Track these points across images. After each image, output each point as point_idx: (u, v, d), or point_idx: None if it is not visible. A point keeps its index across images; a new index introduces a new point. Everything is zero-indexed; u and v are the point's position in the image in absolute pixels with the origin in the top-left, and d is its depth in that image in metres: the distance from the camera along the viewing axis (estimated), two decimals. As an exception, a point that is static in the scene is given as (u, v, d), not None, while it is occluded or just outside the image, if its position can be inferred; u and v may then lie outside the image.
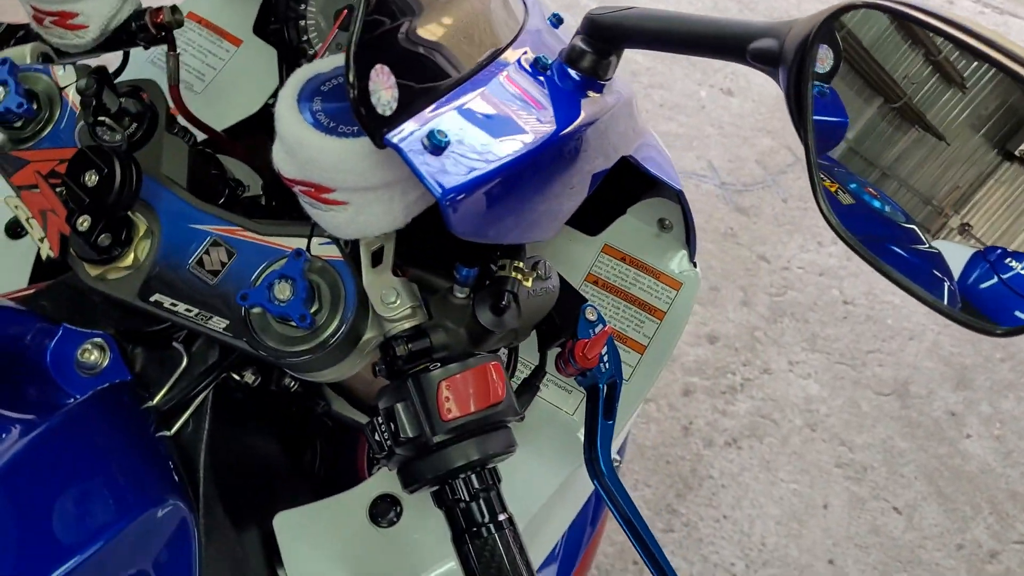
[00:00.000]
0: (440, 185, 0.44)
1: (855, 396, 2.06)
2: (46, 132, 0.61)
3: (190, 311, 0.56)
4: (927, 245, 0.67)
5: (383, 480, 0.67)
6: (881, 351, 2.14)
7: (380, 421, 0.54)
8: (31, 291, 0.66)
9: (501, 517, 0.54)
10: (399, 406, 0.53)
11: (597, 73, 0.62)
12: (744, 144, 2.53)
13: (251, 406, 0.69)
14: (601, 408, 0.64)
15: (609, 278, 0.77)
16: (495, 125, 0.50)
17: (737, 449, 1.93)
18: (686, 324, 0.77)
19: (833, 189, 0.66)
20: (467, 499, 0.54)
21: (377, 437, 0.55)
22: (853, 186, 0.68)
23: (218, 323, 0.56)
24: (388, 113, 0.44)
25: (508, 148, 0.49)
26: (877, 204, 0.69)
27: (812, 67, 0.52)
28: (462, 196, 0.45)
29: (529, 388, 0.68)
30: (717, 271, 2.23)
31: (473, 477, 0.54)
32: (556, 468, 0.70)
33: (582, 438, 0.68)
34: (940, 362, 2.13)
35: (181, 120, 0.68)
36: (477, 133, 0.49)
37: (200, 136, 0.71)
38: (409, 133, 0.45)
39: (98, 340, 0.61)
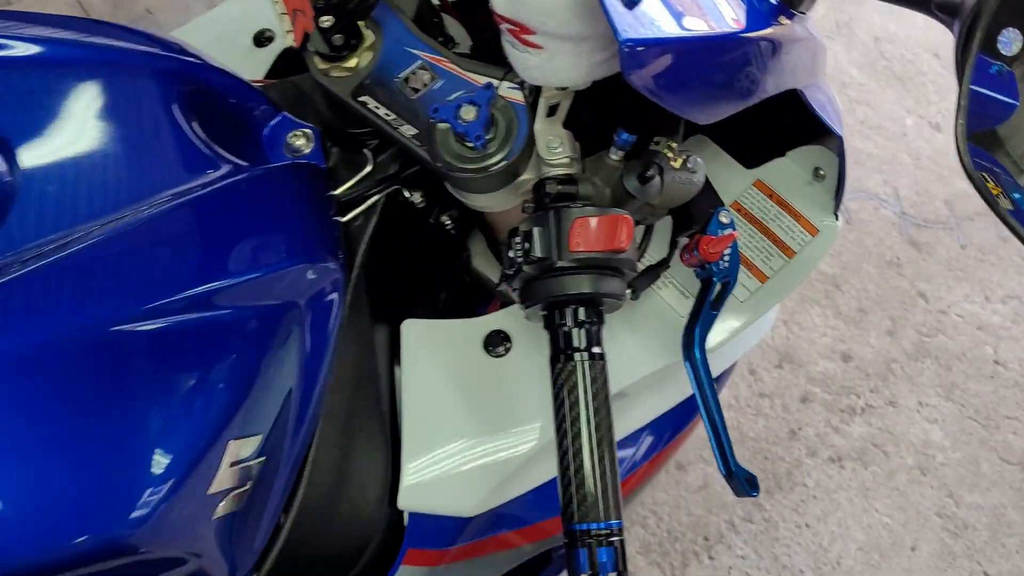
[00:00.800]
0: (624, 31, 0.51)
1: (978, 455, 1.99)
2: None
3: (388, 115, 0.67)
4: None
5: (501, 318, 0.76)
6: (1020, 420, 2.05)
7: (517, 240, 0.63)
8: (265, 83, 0.78)
9: (596, 349, 0.61)
10: (536, 229, 0.62)
11: (792, 2, 0.67)
12: (937, 181, 2.45)
13: (410, 228, 0.79)
14: (710, 299, 0.70)
15: (752, 210, 0.82)
16: (688, 5, 0.57)
17: (839, 467, 1.92)
18: (812, 270, 0.81)
19: (996, 192, 0.68)
20: (571, 325, 0.62)
21: (511, 253, 0.63)
22: (1017, 196, 0.70)
23: (408, 130, 0.66)
24: None
25: (692, 27, 0.56)
26: (1039, 217, 0.71)
27: (982, 26, 0.56)
28: (641, 48, 0.52)
29: (651, 274, 0.75)
30: (871, 295, 2.19)
31: (581, 309, 0.62)
32: (654, 356, 0.76)
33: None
34: (1081, 449, 2.03)
35: None
36: (671, 4, 0.55)
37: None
38: (610, -17, 0.52)
39: (307, 130, 0.72)
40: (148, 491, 0.51)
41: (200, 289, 0.55)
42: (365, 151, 0.74)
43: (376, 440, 0.73)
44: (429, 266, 0.86)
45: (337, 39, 0.67)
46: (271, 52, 0.93)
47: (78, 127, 0.58)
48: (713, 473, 1.80)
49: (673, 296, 0.79)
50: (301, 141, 0.72)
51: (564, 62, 0.60)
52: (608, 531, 0.57)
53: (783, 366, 2.02)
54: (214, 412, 0.55)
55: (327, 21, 0.66)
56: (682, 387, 0.85)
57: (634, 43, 0.52)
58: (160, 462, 0.51)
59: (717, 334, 0.76)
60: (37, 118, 0.57)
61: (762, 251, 0.81)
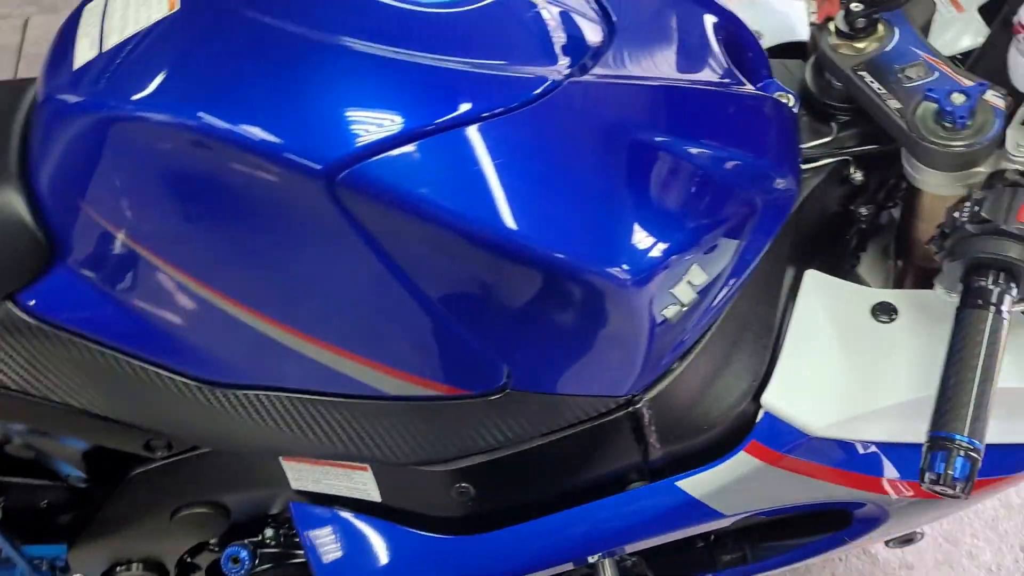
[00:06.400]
0: None
1: None
2: None
3: (880, 90, 0.77)
4: None
5: (892, 293, 0.82)
6: None
7: (967, 204, 0.69)
8: None
9: (1004, 309, 0.66)
10: (990, 195, 0.69)
11: None
12: None
13: (846, 201, 0.89)
14: None
15: None
16: None
17: None
18: None
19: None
20: (989, 283, 0.66)
21: (956, 214, 0.70)
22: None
23: (893, 104, 0.76)
24: None
25: None
26: None
27: None
28: None
29: None
30: None
31: (1003, 273, 0.67)
32: None
33: None
34: None
35: None
36: None
37: None
38: None
39: (789, 95, 0.83)
40: (645, 256, 0.66)
41: (707, 149, 0.73)
42: (832, 123, 0.86)
43: (762, 343, 0.82)
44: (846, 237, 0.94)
45: (860, 23, 0.80)
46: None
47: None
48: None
49: None
50: (784, 99, 0.83)
51: None
52: (969, 446, 0.60)
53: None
54: (695, 231, 0.70)
55: (858, 6, 0.79)
56: None
57: None
58: (660, 246, 0.67)
59: None
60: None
61: None
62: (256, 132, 0.60)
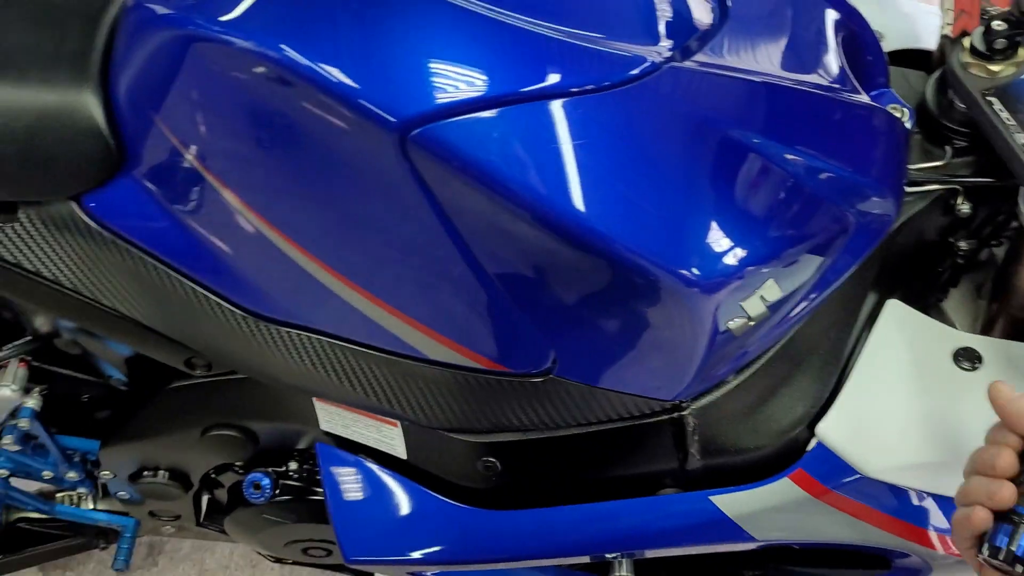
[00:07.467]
0: None
1: None
2: None
3: (1009, 120, 0.70)
4: None
5: (980, 340, 0.76)
6: None
7: None
8: None
9: None
10: None
11: None
12: None
13: (947, 232, 0.82)
14: None
15: None
16: None
17: None
18: None
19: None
20: None
21: None
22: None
23: (1021, 138, 0.69)
24: None
25: None
26: None
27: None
28: None
29: None
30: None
31: None
32: None
33: None
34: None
35: None
36: None
37: None
38: None
39: (904, 109, 0.77)
40: (720, 262, 0.62)
41: (804, 157, 0.67)
42: (946, 147, 0.79)
43: (828, 369, 0.77)
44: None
45: (999, 43, 0.73)
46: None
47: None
48: None
49: None
50: (897, 113, 0.78)
51: None
52: None
53: None
54: (777, 243, 0.66)
55: (1001, 25, 0.73)
56: None
57: None
58: (738, 253, 0.63)
59: None
60: None
61: None
62: (336, 74, 0.58)
